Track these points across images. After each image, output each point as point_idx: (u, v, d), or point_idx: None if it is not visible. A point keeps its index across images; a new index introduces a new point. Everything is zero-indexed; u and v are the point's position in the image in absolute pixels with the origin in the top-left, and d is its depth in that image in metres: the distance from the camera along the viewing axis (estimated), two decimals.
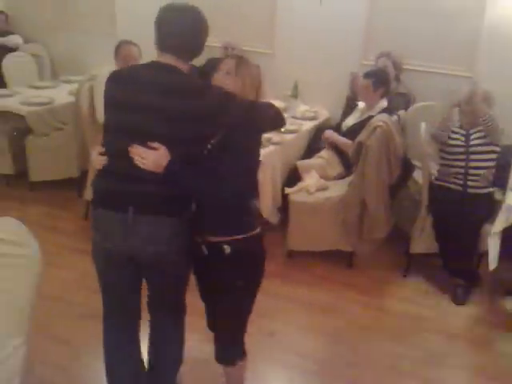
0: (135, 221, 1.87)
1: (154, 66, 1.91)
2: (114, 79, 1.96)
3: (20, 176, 4.47)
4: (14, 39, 5.25)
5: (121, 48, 3.65)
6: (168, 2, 1.91)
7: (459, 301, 3.31)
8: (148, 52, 4.08)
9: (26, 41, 5.35)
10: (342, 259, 3.62)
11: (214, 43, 4.68)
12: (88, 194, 3.99)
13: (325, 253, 3.60)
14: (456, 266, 3.38)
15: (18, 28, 5.39)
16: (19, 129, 4.39)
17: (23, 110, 4.26)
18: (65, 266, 3.41)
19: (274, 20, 4.73)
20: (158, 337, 2.20)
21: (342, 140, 3.79)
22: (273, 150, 3.65)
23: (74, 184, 4.29)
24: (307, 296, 3.27)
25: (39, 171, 4.40)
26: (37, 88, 4.82)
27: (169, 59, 1.88)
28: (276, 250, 3.58)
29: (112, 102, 1.92)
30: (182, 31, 1.87)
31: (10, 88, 4.78)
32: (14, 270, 1.95)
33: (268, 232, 3.76)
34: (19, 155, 4.40)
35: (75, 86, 4.51)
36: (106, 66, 4.07)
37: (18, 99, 4.42)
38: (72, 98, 4.32)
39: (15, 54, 5.10)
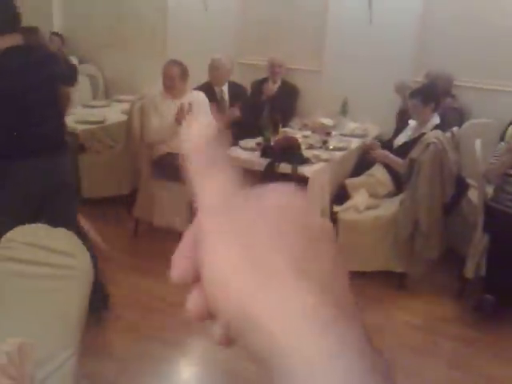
0: None
1: None
2: None
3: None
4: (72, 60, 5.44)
5: (164, 68, 3.78)
6: None
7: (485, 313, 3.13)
8: (199, 70, 4.25)
9: (81, 61, 5.53)
10: (393, 280, 3.51)
11: (261, 62, 4.74)
12: (137, 211, 4.06)
13: (375, 273, 3.50)
14: (502, 292, 3.19)
15: (74, 49, 5.59)
16: (72, 146, 4.50)
17: (77, 128, 4.39)
18: (112, 281, 3.44)
19: (323, 37, 4.73)
20: None
21: (393, 158, 3.70)
22: (321, 168, 3.60)
23: (124, 201, 4.36)
24: None
25: (92, 188, 4.49)
26: (91, 107, 4.97)
27: None
28: None
29: None
30: None
31: None
32: (65, 281, 1.98)
33: None
34: (73, 172, 4.51)
35: (127, 105, 4.65)
36: (154, 86, 4.19)
37: (73, 118, 4.53)
38: (124, 117, 4.45)
39: None
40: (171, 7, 5.06)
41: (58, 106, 2.80)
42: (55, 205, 2.84)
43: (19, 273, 1.94)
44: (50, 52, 3.02)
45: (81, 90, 5.24)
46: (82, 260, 2.01)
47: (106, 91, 5.54)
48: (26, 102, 2.57)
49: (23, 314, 1.95)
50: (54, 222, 3.00)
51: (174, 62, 3.79)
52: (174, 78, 3.74)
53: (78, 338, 1.88)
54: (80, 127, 4.39)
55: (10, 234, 2.00)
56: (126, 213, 4.26)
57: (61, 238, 2.03)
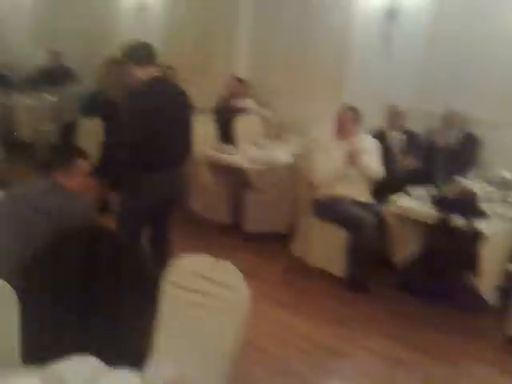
0: None
1: None
2: None
3: (235, 226, 4.76)
4: (247, 103, 5.74)
5: (338, 112, 3.83)
6: None
7: None
8: (373, 115, 4.19)
9: (259, 104, 5.81)
10: None
11: (438, 109, 4.48)
12: (294, 249, 4.05)
13: None
14: None
15: (253, 93, 5.91)
16: (239, 182, 4.71)
17: (246, 166, 4.58)
18: (261, 315, 3.43)
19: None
20: None
21: None
22: (502, 226, 3.25)
23: (282, 238, 4.42)
24: None
25: (253, 223, 4.62)
26: (261, 147, 5.15)
27: None
28: (492, 334, 3.19)
29: None
30: None
31: (237, 145, 5.19)
32: (223, 314, 1.98)
33: (484, 313, 3.35)
34: (236, 207, 4.71)
35: (296, 147, 4.73)
36: (324, 128, 4.20)
37: (243, 156, 4.76)
38: (292, 158, 4.55)
39: (246, 115, 5.57)
40: (354, 57, 5.09)
41: (188, 127, 3.27)
42: (168, 211, 3.35)
43: (184, 300, 1.99)
44: (177, 83, 3.57)
45: (253, 130, 5.50)
46: (240, 294, 1.99)
47: (278, 132, 5.72)
48: (165, 121, 3.02)
49: (184, 341, 1.99)
50: (162, 227, 3.36)
51: (349, 107, 3.81)
52: (347, 122, 3.74)
53: (229, 371, 1.86)
54: (249, 165, 4.58)
55: (179, 261, 2.09)
56: (283, 249, 4.30)
57: (224, 270, 2.05)
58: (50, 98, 6.68)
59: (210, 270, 2.05)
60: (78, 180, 2.47)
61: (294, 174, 4.19)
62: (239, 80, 5.83)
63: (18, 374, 1.72)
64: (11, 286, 1.90)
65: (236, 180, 4.76)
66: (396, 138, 4.38)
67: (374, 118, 4.23)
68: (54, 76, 7.19)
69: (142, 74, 3.02)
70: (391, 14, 4.74)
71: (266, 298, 3.63)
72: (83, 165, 2.52)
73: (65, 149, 2.61)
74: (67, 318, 2.08)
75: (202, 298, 1.99)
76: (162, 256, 3.14)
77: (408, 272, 3.56)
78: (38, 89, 6.87)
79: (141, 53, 3.07)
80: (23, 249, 2.17)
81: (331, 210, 3.83)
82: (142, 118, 2.95)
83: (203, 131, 5.15)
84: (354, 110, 3.83)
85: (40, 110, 6.64)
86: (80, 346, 2.08)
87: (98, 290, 2.16)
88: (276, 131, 5.78)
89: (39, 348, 1.98)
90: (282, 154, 4.83)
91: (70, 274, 2.11)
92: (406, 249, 3.60)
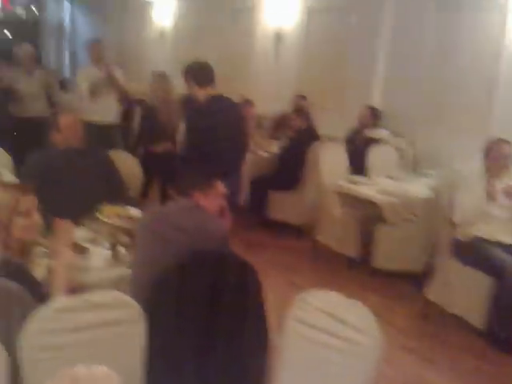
0: None
1: None
2: None
3: (363, 261, 4.54)
4: (381, 133, 5.54)
5: (488, 146, 3.57)
6: None
7: None
8: None
9: (394, 135, 5.57)
10: None
11: None
12: (430, 292, 3.74)
13: None
14: None
15: (388, 123, 5.69)
16: (371, 215, 4.50)
17: (378, 198, 4.37)
18: (391, 363, 3.18)
19: None
20: None
21: None
22: None
23: (414, 278, 4.12)
24: None
25: (383, 259, 4.38)
26: (395, 179, 4.91)
27: None
28: None
29: None
30: None
31: (369, 177, 5.00)
32: (353, 358, 1.83)
33: None
34: (365, 241, 4.49)
35: (434, 180, 4.44)
36: (468, 162, 3.88)
37: (375, 188, 4.57)
38: (428, 192, 4.28)
39: (380, 146, 5.36)
40: (504, 86, 4.67)
41: (241, 139, 3.72)
42: None
43: (309, 338, 1.87)
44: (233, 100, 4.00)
45: (387, 161, 5.27)
46: (373, 339, 1.84)
47: (414, 165, 5.43)
48: (221, 134, 3.44)
49: (307, 381, 1.88)
50: None
51: (503, 141, 3.50)
52: (501, 157, 3.43)
53: None
54: (381, 197, 4.37)
55: (304, 295, 1.99)
56: (416, 291, 4.00)
57: (354, 310, 1.90)
58: None
59: (340, 309, 1.93)
60: (214, 201, 2.48)
61: (432, 210, 3.92)
62: (373, 109, 5.68)
63: None
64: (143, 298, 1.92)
65: (367, 212, 4.57)
66: None
67: None
68: None
69: (201, 93, 3.46)
70: None
71: (395, 345, 3.37)
72: (220, 187, 2.52)
73: (205, 170, 2.65)
74: (188, 343, 2.07)
75: (330, 338, 1.86)
76: None
77: None
78: None
79: (202, 73, 3.48)
80: (157, 264, 2.20)
81: (473, 252, 3.50)
82: (200, 134, 3.44)
83: (334, 160, 5.06)
84: (509, 145, 3.51)
85: None
86: (199, 372, 2.06)
87: (221, 315, 2.14)
88: (412, 163, 5.51)
89: (161, 369, 1.99)
90: (418, 187, 4.57)
91: (197, 294, 2.10)
92: None
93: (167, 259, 2.16)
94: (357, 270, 4.54)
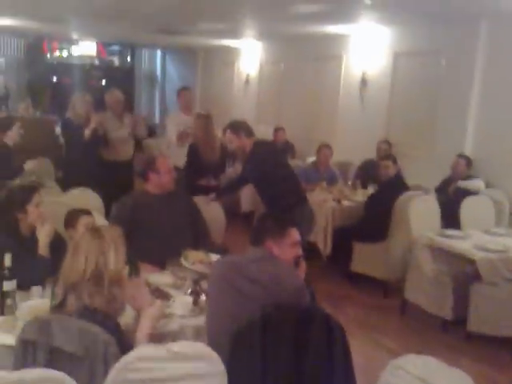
0: None
1: None
2: None
3: (458, 322, 4.18)
4: (475, 183, 5.23)
5: None
6: None
7: None
8: None
9: (488, 185, 5.25)
10: None
11: None
12: None
13: None
14: None
15: (481, 172, 5.37)
16: (466, 273, 4.18)
17: (475, 254, 4.06)
18: None
19: None
20: None
21: None
22: None
23: None
24: None
25: (479, 322, 4.02)
26: (491, 234, 4.58)
27: None
28: None
29: None
30: None
31: (464, 231, 4.69)
32: None
33: None
34: (461, 301, 4.15)
35: None
36: None
37: (471, 243, 4.27)
38: None
39: (475, 197, 5.04)
40: None
41: (291, 180, 4.24)
42: None
43: None
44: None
45: (483, 214, 4.94)
46: None
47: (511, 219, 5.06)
48: (277, 176, 4.10)
49: None
50: None
51: None
52: None
53: None
54: (478, 253, 4.06)
55: (399, 361, 1.82)
56: None
57: (455, 379, 1.69)
58: None
59: (439, 377, 1.75)
60: (288, 251, 2.39)
61: None
62: (467, 158, 5.38)
63: None
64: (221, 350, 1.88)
65: (462, 269, 4.25)
66: None
67: None
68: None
69: (247, 142, 4.09)
70: None
71: None
72: (295, 234, 2.41)
73: (279, 217, 2.55)
74: None
75: None
76: None
77: None
78: None
79: (248, 127, 4.17)
80: (231, 316, 2.16)
81: None
82: (260, 175, 4.05)
83: (425, 212, 4.80)
84: None
85: None
86: None
87: (306, 374, 2.03)
88: (509, 216, 5.14)
89: None
90: None
91: (281, 349, 2.02)
92: None
93: (241, 312, 2.10)
94: (450, 333, 4.20)
